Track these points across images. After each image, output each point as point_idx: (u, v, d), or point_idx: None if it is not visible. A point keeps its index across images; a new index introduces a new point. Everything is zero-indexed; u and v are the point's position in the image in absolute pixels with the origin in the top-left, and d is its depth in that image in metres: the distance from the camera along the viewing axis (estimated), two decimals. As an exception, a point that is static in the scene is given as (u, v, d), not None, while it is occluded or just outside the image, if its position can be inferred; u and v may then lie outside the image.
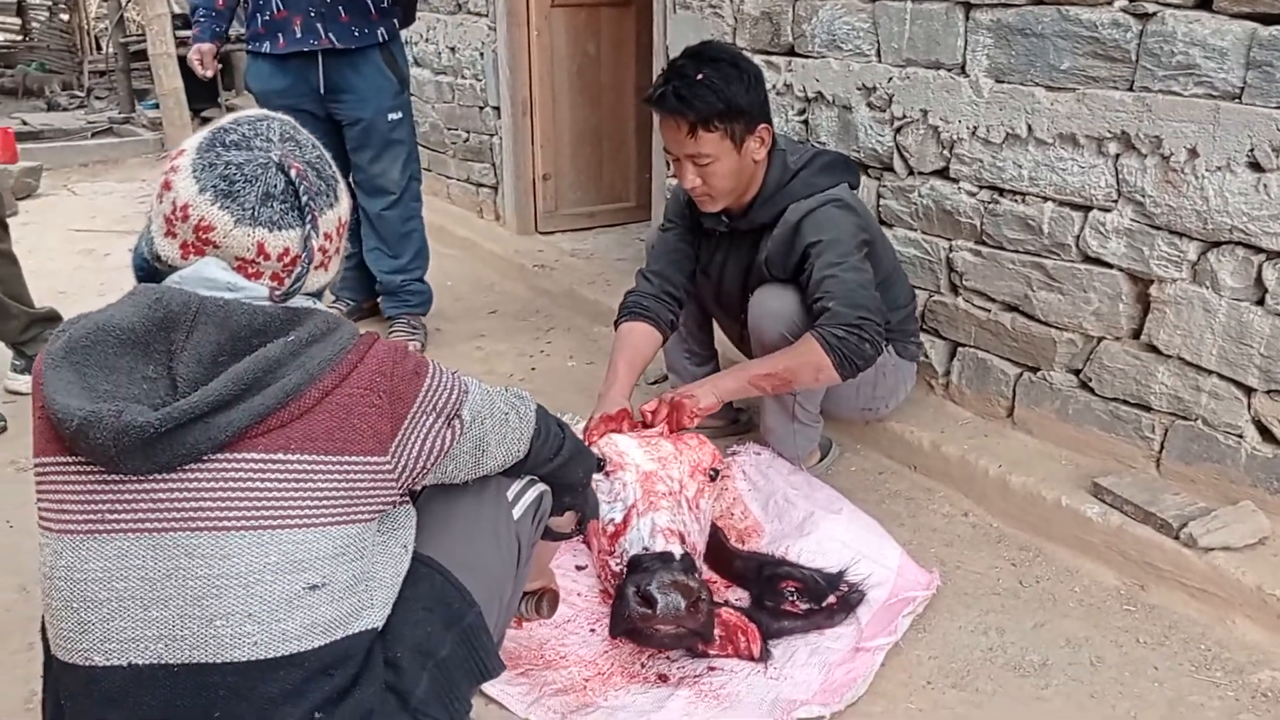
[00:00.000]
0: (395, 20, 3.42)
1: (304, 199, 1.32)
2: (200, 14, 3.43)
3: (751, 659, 1.98)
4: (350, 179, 3.53)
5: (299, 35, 3.26)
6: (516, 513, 1.58)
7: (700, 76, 2.24)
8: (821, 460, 2.70)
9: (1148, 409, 2.33)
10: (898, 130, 2.70)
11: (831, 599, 2.12)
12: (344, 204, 1.43)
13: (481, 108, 4.62)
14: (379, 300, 3.74)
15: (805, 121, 2.96)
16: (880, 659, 1.97)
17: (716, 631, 1.96)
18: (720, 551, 2.25)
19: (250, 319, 1.27)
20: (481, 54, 4.52)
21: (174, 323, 1.26)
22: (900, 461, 2.72)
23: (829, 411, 2.63)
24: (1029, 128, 2.39)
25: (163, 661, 1.23)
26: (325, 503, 1.27)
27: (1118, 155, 2.25)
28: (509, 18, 4.27)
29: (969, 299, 2.67)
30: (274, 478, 1.24)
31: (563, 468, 1.64)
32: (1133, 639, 2.06)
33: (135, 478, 1.22)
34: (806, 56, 2.91)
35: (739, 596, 2.18)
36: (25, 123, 9.05)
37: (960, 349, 2.74)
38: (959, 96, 2.52)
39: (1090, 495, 2.32)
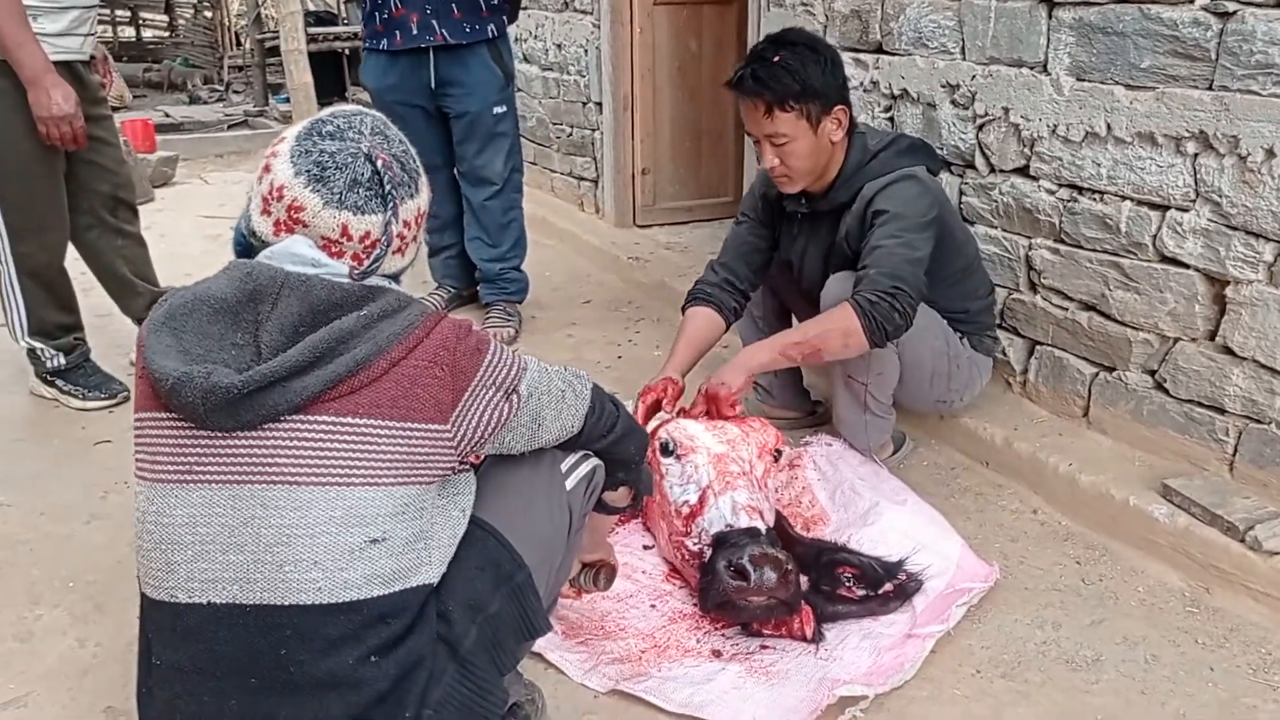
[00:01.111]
0: (504, 16, 3.58)
1: (387, 188, 1.45)
2: None
3: (804, 640, 2.04)
4: (455, 170, 3.70)
5: (415, 32, 3.44)
6: (569, 484, 1.68)
7: (777, 59, 2.34)
8: (894, 453, 2.74)
9: (1222, 411, 2.31)
10: (980, 128, 2.72)
11: (888, 586, 2.17)
12: (423, 196, 1.55)
13: (584, 103, 4.75)
14: (478, 288, 3.89)
15: (891, 118, 3.00)
16: (930, 646, 2.01)
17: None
18: (783, 537, 2.32)
19: (329, 294, 1.40)
20: (585, 51, 4.65)
21: (261, 295, 1.39)
22: (973, 457, 2.74)
23: (902, 403, 2.67)
24: (1108, 126, 2.39)
25: (237, 601, 1.37)
26: (388, 464, 1.39)
27: (1195, 155, 2.23)
28: (612, 15, 4.39)
29: (1047, 297, 2.67)
30: (342, 439, 1.37)
31: (616, 444, 1.73)
32: (1191, 639, 2.06)
33: (220, 434, 1.35)
34: (893, 54, 2.95)
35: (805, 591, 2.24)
36: (167, 115, 9.58)
37: (1038, 347, 2.74)
38: (1040, 94, 2.53)
39: (1159, 496, 2.31)
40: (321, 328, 1.37)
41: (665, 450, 2.24)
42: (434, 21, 3.43)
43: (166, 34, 15.86)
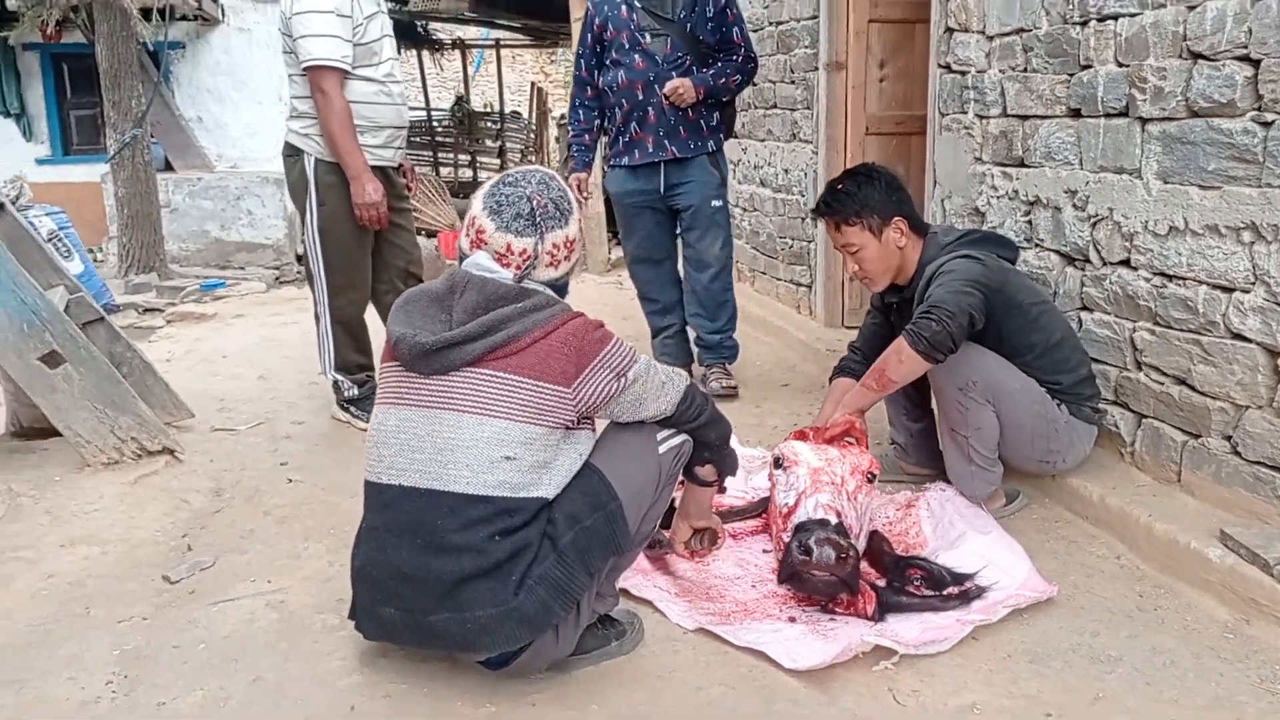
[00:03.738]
0: (720, 134, 4.38)
1: (539, 219, 2.16)
2: (574, 150, 4.51)
3: (867, 618, 2.49)
4: (682, 256, 4.49)
5: (650, 150, 4.29)
6: (661, 450, 2.28)
7: (840, 187, 3.05)
8: (1006, 505, 3.11)
9: None
10: (1093, 226, 3.14)
11: (951, 589, 2.58)
12: (572, 228, 2.24)
13: (803, 219, 5.40)
14: (698, 352, 4.59)
15: (1030, 221, 3.45)
16: (969, 630, 2.41)
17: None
18: (873, 548, 2.78)
19: (496, 289, 2.12)
20: (805, 174, 5.33)
21: (455, 288, 2.14)
22: (1074, 512, 3.07)
23: (1010, 462, 3.06)
24: (1185, 221, 2.77)
25: (416, 485, 2.07)
26: (523, 407, 2.06)
27: (1251, 243, 2.58)
28: (828, 144, 5.05)
29: (1148, 374, 3.01)
30: (495, 386, 2.06)
31: (701, 428, 2.33)
32: (1214, 654, 2.34)
33: (419, 376, 2.09)
34: (1030, 166, 3.42)
35: (873, 580, 2.69)
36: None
37: (1143, 420, 3.06)
38: (1135, 196, 2.94)
39: (1217, 541, 2.59)
40: (490, 312, 2.09)
41: (776, 463, 2.78)
42: (666, 141, 4.27)
43: (497, 174, 18.00)
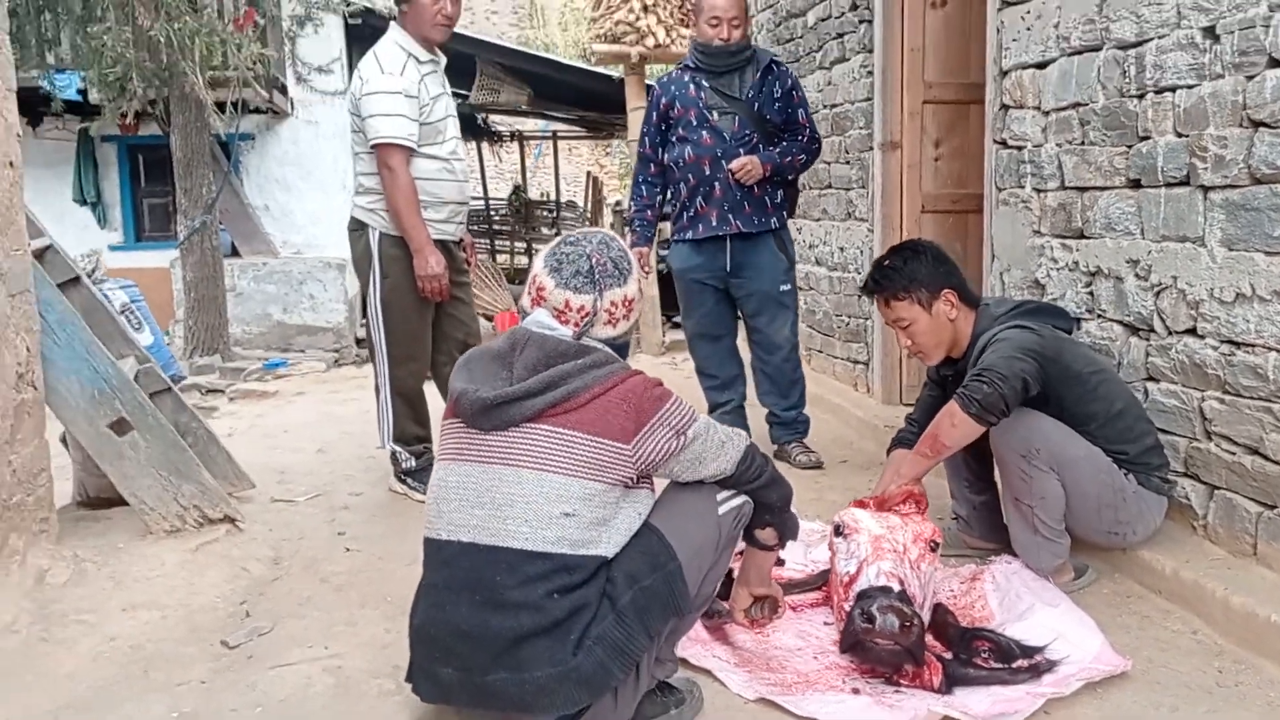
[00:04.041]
0: (784, 211, 4.44)
1: (597, 276, 2.19)
2: (636, 224, 4.55)
3: (933, 690, 2.43)
4: (749, 339, 4.51)
5: (714, 224, 4.32)
6: (721, 510, 2.26)
7: (887, 263, 3.08)
8: (1075, 579, 3.03)
9: (1360, 540, 2.50)
10: (1156, 295, 3.10)
11: (1021, 661, 2.51)
12: (630, 287, 2.25)
13: (859, 296, 5.39)
14: (772, 430, 4.57)
15: (1091, 292, 3.42)
16: (1040, 704, 2.34)
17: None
18: (937, 619, 2.71)
19: (556, 346, 2.14)
20: (861, 251, 5.34)
21: (516, 345, 2.16)
22: (1147, 587, 2.98)
23: (1078, 534, 2.99)
24: (1252, 287, 2.73)
25: (475, 541, 2.07)
26: (582, 463, 2.07)
27: (1321, 307, 2.54)
28: (884, 221, 5.07)
29: (1218, 444, 2.94)
30: (554, 441, 2.07)
31: (762, 489, 2.31)
32: (1297, 732, 2.25)
33: (480, 431, 2.10)
34: (1090, 238, 3.40)
35: (939, 651, 2.62)
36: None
37: (1215, 491, 2.98)
38: (1199, 264, 2.91)
39: (1299, 615, 2.50)
40: (549, 368, 2.10)
41: (837, 531, 2.74)
42: (730, 215, 4.30)
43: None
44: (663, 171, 4.45)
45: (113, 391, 3.41)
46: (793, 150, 4.33)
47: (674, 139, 4.36)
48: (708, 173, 4.28)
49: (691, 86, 4.32)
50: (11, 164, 3.16)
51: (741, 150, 4.25)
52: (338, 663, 2.64)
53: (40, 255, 3.54)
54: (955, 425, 2.81)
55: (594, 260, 2.20)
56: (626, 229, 4.69)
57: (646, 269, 4.63)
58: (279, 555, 3.42)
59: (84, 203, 11.01)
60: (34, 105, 9.38)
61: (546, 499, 2.05)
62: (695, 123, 4.29)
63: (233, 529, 3.54)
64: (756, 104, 4.28)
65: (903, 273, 3.03)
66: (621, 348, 2.29)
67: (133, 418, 3.43)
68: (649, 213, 4.52)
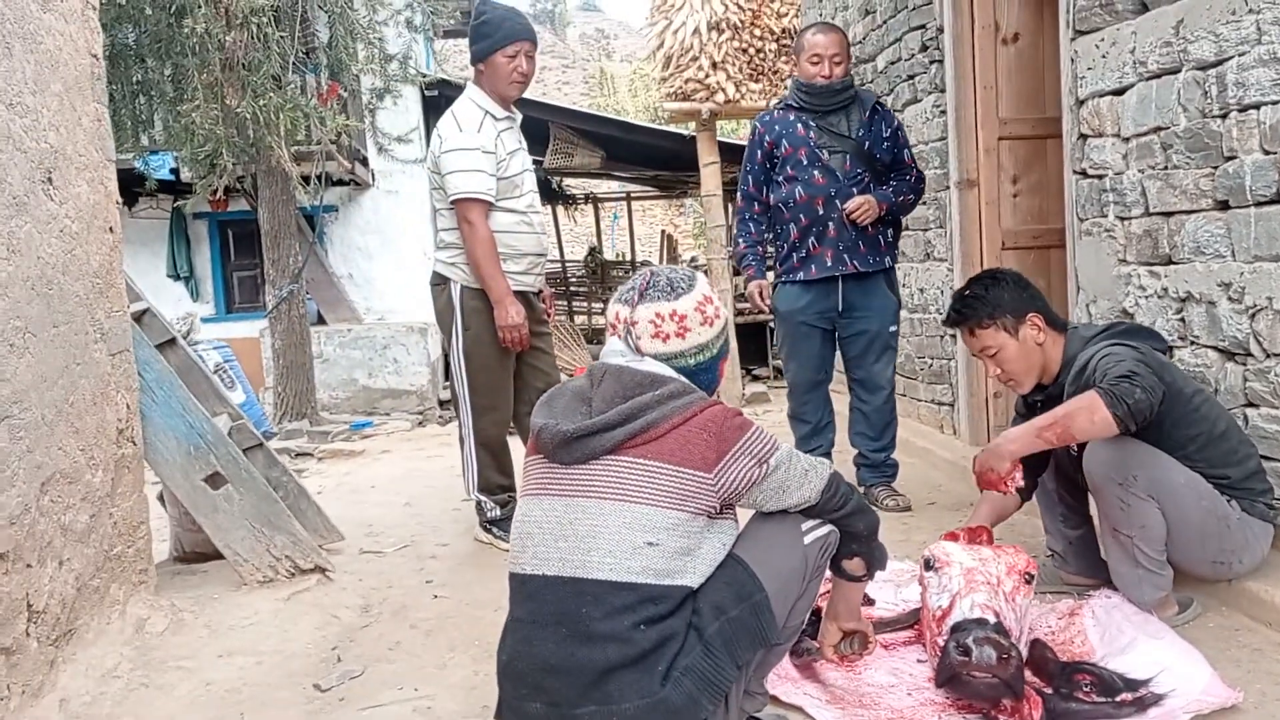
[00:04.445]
0: (896, 251, 4.44)
1: (645, 289, 2.22)
2: (751, 260, 4.49)
3: (1032, 725, 2.35)
4: (850, 379, 4.47)
5: (829, 264, 4.28)
6: (807, 540, 2.23)
7: (968, 292, 3.04)
8: (1179, 614, 2.92)
9: None
10: (1251, 317, 3.01)
11: (1125, 695, 2.42)
12: (682, 304, 2.22)
13: (941, 337, 5.33)
14: (860, 472, 4.50)
15: (1182, 319, 3.33)
16: (1148, 736, 2.25)
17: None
18: (1035, 654, 2.62)
19: (633, 378, 2.15)
20: (941, 291, 5.29)
21: (594, 380, 2.18)
22: (1257, 620, 2.86)
23: (1179, 565, 2.88)
24: (1352, 302, 2.65)
25: (560, 574, 2.07)
26: (664, 493, 2.06)
27: None
28: (963, 260, 5.02)
29: (1326, 468, 2.83)
30: (635, 472, 2.07)
31: (847, 518, 2.27)
32: None
33: (561, 465, 2.12)
34: (1178, 263, 3.33)
35: (1039, 686, 2.54)
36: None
37: (1326, 518, 2.87)
38: (1295, 282, 2.83)
39: None
40: (628, 400, 2.11)
41: (927, 565, 2.69)
42: (845, 255, 4.27)
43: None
44: (767, 209, 4.42)
45: (208, 447, 3.50)
46: (903, 190, 4.33)
47: (780, 179, 4.31)
48: (821, 212, 4.24)
49: (800, 125, 4.29)
50: (111, 229, 3.30)
51: (855, 190, 4.24)
52: (428, 704, 2.64)
53: (139, 318, 3.68)
54: (1094, 423, 2.64)
55: (648, 278, 2.25)
56: (739, 266, 4.63)
57: (767, 302, 4.46)
58: (369, 603, 3.46)
59: (178, 278, 11.42)
60: (130, 186, 9.79)
61: (630, 529, 2.04)
62: (805, 161, 4.26)
63: (323, 579, 3.59)
64: (867, 143, 4.28)
65: (985, 300, 2.99)
66: (698, 376, 2.26)
67: (227, 472, 3.52)
68: (760, 248, 4.49)
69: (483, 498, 4.06)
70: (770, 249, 4.61)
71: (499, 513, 4.06)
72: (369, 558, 4.02)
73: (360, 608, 3.41)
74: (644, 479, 2.06)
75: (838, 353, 4.52)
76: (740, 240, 4.50)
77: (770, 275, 4.59)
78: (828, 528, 2.27)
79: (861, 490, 4.36)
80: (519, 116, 4.11)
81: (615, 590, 2.03)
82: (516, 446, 4.06)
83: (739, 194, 4.53)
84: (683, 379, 2.20)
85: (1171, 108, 3.30)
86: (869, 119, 4.29)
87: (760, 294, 4.45)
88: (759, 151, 4.38)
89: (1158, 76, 3.35)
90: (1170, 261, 3.39)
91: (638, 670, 1.99)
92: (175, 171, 9.26)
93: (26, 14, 2.75)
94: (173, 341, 3.90)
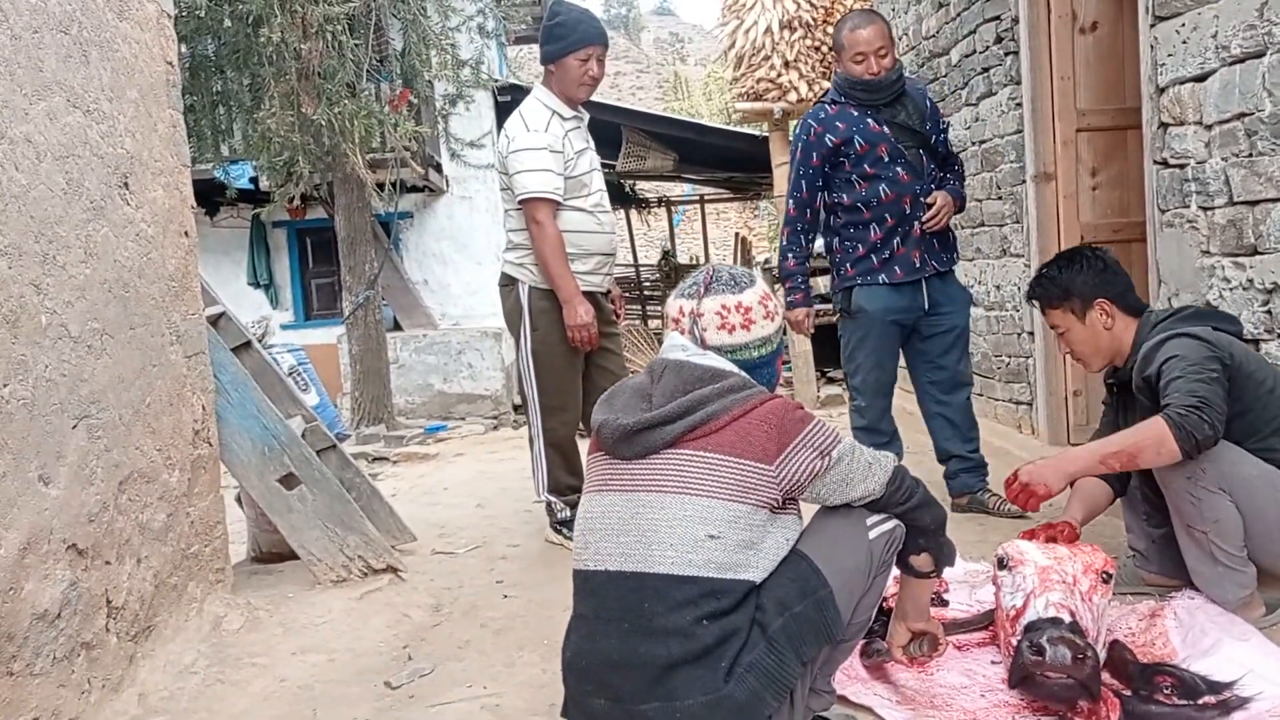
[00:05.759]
0: (959, 246, 4.35)
1: (707, 283, 2.20)
2: (799, 282, 4.21)
3: (1110, 727, 2.28)
4: (929, 382, 4.25)
5: (917, 265, 4.11)
6: (872, 535, 2.19)
7: (1045, 271, 3.06)
8: (1266, 614, 2.81)
9: None
10: (1343, 308, 2.90)
11: (1208, 698, 2.33)
12: (746, 297, 2.22)
13: (1019, 334, 5.22)
14: (954, 481, 4.27)
15: (1268, 311, 3.21)
16: (1233, 740, 2.17)
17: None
18: (1115, 656, 2.55)
19: (693, 371, 2.14)
20: (1019, 288, 5.17)
21: (654, 375, 2.17)
22: (1355, 621, 2.74)
23: (1258, 561, 2.75)
24: None
25: (622, 569, 2.06)
26: (725, 485, 2.04)
27: None
28: (1041, 256, 4.89)
29: None
30: (695, 465, 2.05)
31: (913, 511, 2.22)
32: None
33: (622, 460, 2.11)
34: (1264, 253, 3.21)
35: (1117, 688, 2.46)
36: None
37: None
38: (1389, 269, 2.71)
39: None
40: (688, 394, 2.10)
41: (1001, 564, 2.62)
42: (927, 255, 4.13)
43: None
44: (817, 217, 4.22)
45: (281, 448, 3.56)
46: (958, 183, 4.25)
47: (854, 177, 4.07)
48: (908, 211, 4.06)
49: (871, 121, 4.05)
50: (186, 234, 3.38)
51: (933, 185, 4.12)
52: (496, 701, 2.65)
53: (214, 321, 3.76)
54: (1161, 454, 2.60)
55: (709, 272, 2.24)
56: (782, 285, 4.30)
57: (810, 330, 4.26)
58: (439, 602, 3.49)
59: (257, 285, 11.69)
60: (210, 196, 10.06)
61: (690, 522, 2.03)
62: (887, 158, 4.04)
63: (395, 578, 3.63)
64: (932, 136, 4.14)
65: (1057, 282, 3.03)
66: (758, 370, 2.23)
67: (300, 473, 3.57)
68: (809, 264, 4.27)
69: (552, 498, 4.07)
70: (838, 249, 4.25)
71: (569, 513, 4.06)
72: (440, 558, 4.06)
73: (431, 607, 3.44)
74: (704, 471, 2.05)
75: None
76: (790, 255, 4.22)
77: (818, 282, 4.44)
78: (893, 522, 2.22)
79: (964, 500, 4.23)
80: (586, 116, 4.12)
81: (677, 584, 2.01)
82: (586, 448, 4.09)
83: (789, 201, 4.24)
84: (743, 374, 2.18)
85: (1256, 93, 3.18)
86: (931, 110, 4.18)
87: (806, 323, 4.20)
88: (815, 153, 4.10)
89: (1241, 61, 3.24)
90: (1255, 252, 3.26)
91: (701, 666, 1.97)
92: (255, 180, 9.47)
93: (103, 22, 2.83)
94: (248, 345, 3.97)
